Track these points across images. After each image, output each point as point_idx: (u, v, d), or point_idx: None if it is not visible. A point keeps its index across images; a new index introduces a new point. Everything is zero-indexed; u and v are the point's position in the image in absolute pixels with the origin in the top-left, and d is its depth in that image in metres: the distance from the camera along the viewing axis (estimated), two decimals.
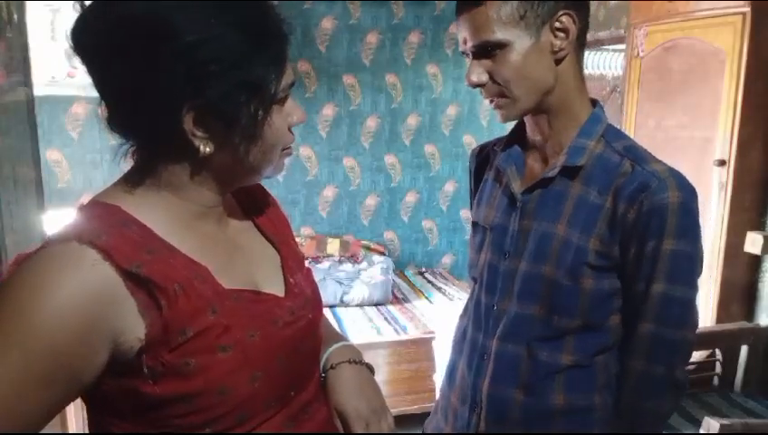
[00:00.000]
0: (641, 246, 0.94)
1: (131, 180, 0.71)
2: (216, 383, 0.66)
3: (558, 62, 0.97)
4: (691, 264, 0.95)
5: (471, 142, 4.04)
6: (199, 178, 0.72)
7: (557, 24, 0.95)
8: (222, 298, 0.69)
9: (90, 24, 0.64)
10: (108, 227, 0.64)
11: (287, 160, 0.80)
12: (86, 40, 0.65)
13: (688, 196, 0.93)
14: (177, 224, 0.71)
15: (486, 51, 0.96)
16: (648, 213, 0.92)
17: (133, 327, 0.63)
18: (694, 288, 0.97)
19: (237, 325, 0.69)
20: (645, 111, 2.55)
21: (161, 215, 0.70)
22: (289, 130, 0.76)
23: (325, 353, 0.87)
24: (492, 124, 4.02)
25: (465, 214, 4.09)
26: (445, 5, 3.82)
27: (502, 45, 0.94)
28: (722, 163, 2.17)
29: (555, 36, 0.95)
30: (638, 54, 2.55)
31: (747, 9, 2.06)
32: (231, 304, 0.70)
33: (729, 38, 2.12)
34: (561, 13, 0.94)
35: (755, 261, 2.28)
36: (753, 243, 2.12)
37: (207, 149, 0.68)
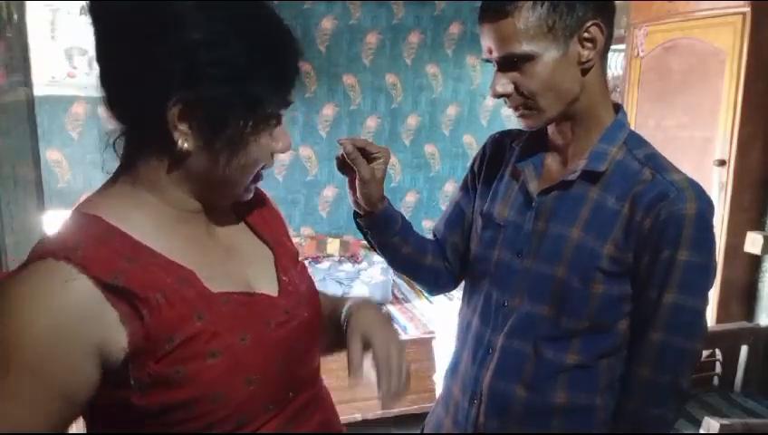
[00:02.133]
0: (655, 255, 0.94)
1: (113, 185, 0.72)
2: (208, 390, 0.66)
3: (584, 72, 0.96)
4: (704, 275, 0.96)
5: (471, 142, 4.04)
6: (175, 176, 0.70)
7: (585, 35, 0.93)
8: (209, 303, 0.68)
9: None
10: (87, 239, 0.64)
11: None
12: (101, 10, 0.66)
13: (706, 207, 0.93)
14: (159, 227, 0.70)
15: (512, 62, 0.94)
16: (665, 222, 0.92)
17: (116, 338, 0.62)
18: (705, 299, 0.97)
19: (226, 329, 0.68)
20: (645, 111, 2.55)
21: (143, 218, 0.69)
22: (270, 155, 0.75)
23: (344, 307, 0.86)
24: (492, 124, 4.02)
25: None
26: (445, 5, 3.81)
27: (529, 58, 0.92)
28: (722, 163, 2.17)
29: (583, 47, 0.94)
30: (638, 54, 2.55)
31: (747, 9, 2.06)
32: (219, 308, 0.69)
33: (729, 38, 2.12)
34: (589, 23, 0.93)
35: (755, 261, 2.29)
36: (753, 243, 2.13)
37: (186, 145, 0.67)
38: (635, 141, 1.01)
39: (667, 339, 0.95)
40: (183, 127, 0.66)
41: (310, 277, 0.87)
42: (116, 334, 0.62)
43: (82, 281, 0.61)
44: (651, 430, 1.00)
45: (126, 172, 0.71)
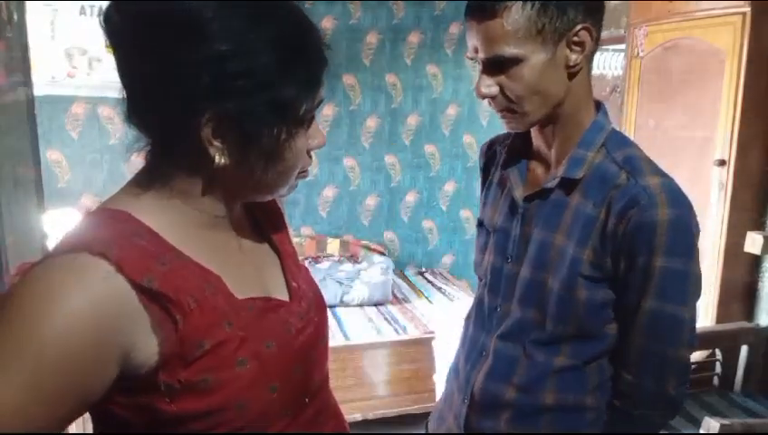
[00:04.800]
0: (631, 261, 0.92)
1: (141, 184, 0.69)
2: (234, 399, 0.65)
3: (571, 76, 0.94)
4: (683, 281, 0.92)
5: (471, 142, 4.04)
6: (211, 188, 0.69)
7: (575, 39, 0.91)
8: (236, 309, 0.67)
9: (126, 7, 0.62)
10: (119, 238, 0.61)
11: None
12: (118, 23, 0.62)
13: (681, 212, 0.90)
14: (187, 231, 0.68)
15: (499, 64, 0.92)
16: (637, 229, 0.89)
17: (146, 343, 0.61)
18: (687, 306, 0.93)
19: (253, 336, 0.67)
20: (645, 111, 2.55)
21: (171, 221, 0.67)
22: (308, 153, 0.74)
23: None
24: (492, 124, 4.01)
25: (465, 214, 4.09)
26: (445, 5, 3.81)
27: (516, 60, 0.90)
28: (722, 163, 2.16)
29: (571, 51, 0.92)
30: (638, 54, 2.55)
31: (747, 9, 2.06)
32: (245, 314, 0.68)
33: (729, 38, 2.12)
34: (579, 27, 0.91)
35: (755, 261, 2.28)
36: (753, 243, 2.12)
37: (223, 161, 0.65)
38: (615, 143, 0.98)
39: (648, 345, 0.94)
40: (217, 142, 0.64)
41: (314, 282, 0.86)
42: (146, 340, 0.61)
43: (118, 280, 0.59)
44: (638, 429, 1.00)
45: (156, 177, 0.69)
